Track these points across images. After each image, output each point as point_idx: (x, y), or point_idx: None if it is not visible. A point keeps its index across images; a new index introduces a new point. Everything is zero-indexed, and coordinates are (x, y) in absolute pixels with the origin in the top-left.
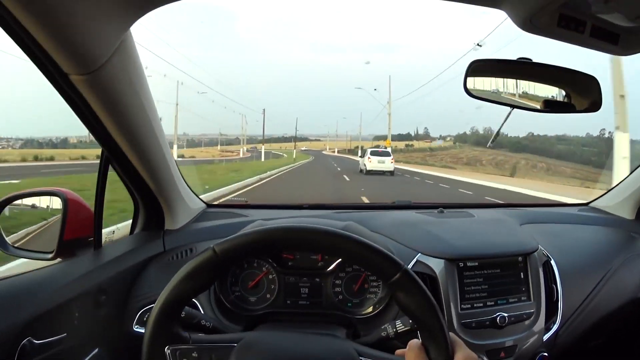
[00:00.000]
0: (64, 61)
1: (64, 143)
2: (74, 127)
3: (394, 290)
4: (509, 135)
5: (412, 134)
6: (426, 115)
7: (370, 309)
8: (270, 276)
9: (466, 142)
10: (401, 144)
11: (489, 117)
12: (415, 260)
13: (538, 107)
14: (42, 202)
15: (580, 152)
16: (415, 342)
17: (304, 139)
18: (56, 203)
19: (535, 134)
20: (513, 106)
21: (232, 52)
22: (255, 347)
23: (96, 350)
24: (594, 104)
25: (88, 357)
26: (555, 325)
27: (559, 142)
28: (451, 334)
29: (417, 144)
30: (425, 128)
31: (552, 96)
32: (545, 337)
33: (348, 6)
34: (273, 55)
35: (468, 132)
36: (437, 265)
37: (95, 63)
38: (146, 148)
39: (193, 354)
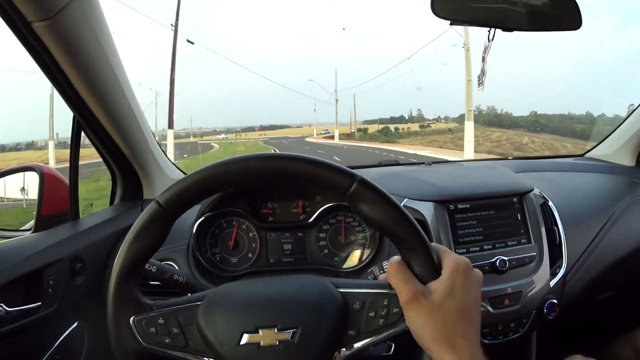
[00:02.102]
0: (25, 6)
1: (29, 147)
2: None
3: (355, 205)
4: (514, 115)
5: (406, 117)
6: (416, 97)
7: (358, 261)
8: (251, 234)
9: (476, 123)
10: (414, 126)
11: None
12: (401, 205)
13: (517, 25)
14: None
15: (607, 132)
16: (395, 259)
17: (282, 127)
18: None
19: (538, 112)
20: (489, 25)
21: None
22: (221, 299)
23: (76, 324)
24: (574, 22)
25: (68, 331)
26: (562, 269)
27: (572, 121)
28: (434, 243)
29: (434, 125)
30: (419, 110)
31: (529, 14)
32: (552, 283)
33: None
34: (248, 50)
35: (474, 112)
36: (426, 209)
37: (55, 6)
38: (116, 109)
39: (159, 321)
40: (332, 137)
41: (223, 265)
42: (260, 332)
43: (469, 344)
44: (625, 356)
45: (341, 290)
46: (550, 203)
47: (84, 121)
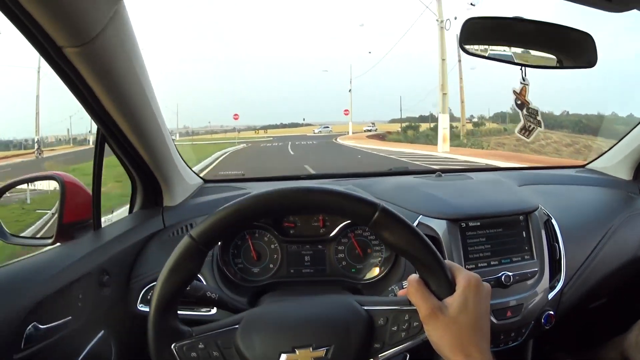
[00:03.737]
0: (57, 33)
1: (18, 146)
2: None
3: (378, 231)
4: (549, 113)
5: (435, 115)
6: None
7: (375, 273)
8: (273, 246)
9: (517, 122)
10: (468, 126)
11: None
12: (417, 222)
13: (534, 63)
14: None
15: None
16: (413, 277)
17: (303, 125)
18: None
19: (570, 112)
20: (509, 62)
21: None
22: (258, 323)
23: (102, 332)
24: (589, 61)
25: (94, 340)
26: (560, 283)
27: (612, 122)
28: (447, 261)
29: (489, 124)
30: (449, 109)
31: (548, 53)
32: (550, 296)
33: None
34: (263, 49)
35: (510, 111)
36: (439, 227)
37: (90, 34)
38: (142, 123)
39: (199, 346)
40: (382, 137)
41: (245, 276)
42: (297, 351)
43: (481, 352)
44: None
45: (366, 307)
46: (553, 221)
47: (108, 133)
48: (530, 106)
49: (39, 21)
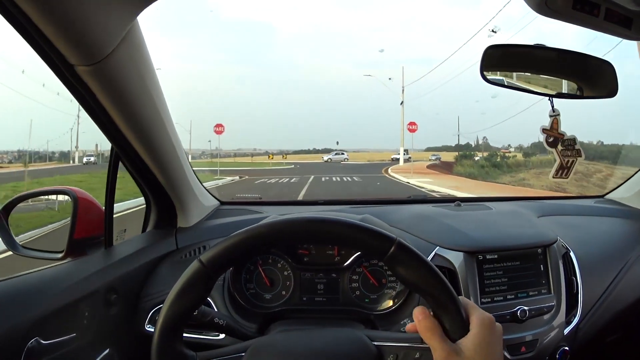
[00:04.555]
0: (69, 51)
1: (64, 156)
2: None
3: (393, 266)
4: (589, 143)
5: (473, 144)
6: (479, 124)
7: (389, 304)
8: (286, 272)
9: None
10: (519, 155)
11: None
12: (433, 253)
13: (554, 92)
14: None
15: None
16: (420, 311)
17: (335, 150)
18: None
19: (604, 142)
20: (529, 91)
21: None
22: (265, 352)
23: (107, 350)
24: (611, 90)
25: (99, 358)
26: (576, 318)
27: None
28: (461, 297)
29: (537, 156)
30: (485, 137)
31: (568, 82)
32: (566, 331)
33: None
34: (311, 71)
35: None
36: (456, 259)
37: (101, 53)
38: (156, 143)
39: None
40: (446, 169)
41: (257, 301)
42: None
43: None
44: None
45: (376, 343)
46: (571, 253)
47: (122, 153)
48: (565, 137)
49: (50, 39)
